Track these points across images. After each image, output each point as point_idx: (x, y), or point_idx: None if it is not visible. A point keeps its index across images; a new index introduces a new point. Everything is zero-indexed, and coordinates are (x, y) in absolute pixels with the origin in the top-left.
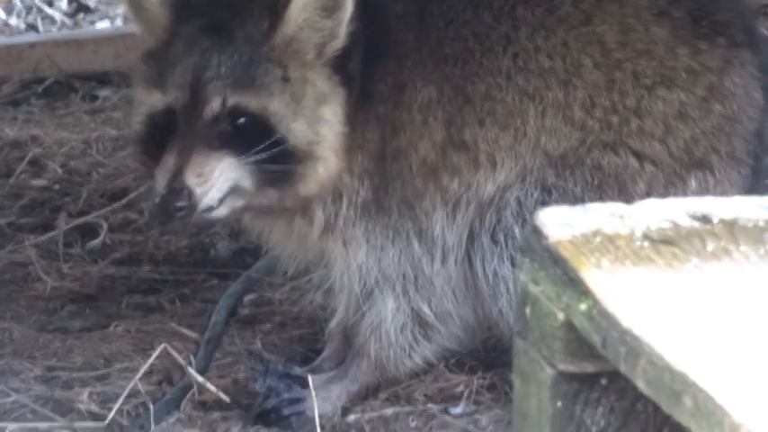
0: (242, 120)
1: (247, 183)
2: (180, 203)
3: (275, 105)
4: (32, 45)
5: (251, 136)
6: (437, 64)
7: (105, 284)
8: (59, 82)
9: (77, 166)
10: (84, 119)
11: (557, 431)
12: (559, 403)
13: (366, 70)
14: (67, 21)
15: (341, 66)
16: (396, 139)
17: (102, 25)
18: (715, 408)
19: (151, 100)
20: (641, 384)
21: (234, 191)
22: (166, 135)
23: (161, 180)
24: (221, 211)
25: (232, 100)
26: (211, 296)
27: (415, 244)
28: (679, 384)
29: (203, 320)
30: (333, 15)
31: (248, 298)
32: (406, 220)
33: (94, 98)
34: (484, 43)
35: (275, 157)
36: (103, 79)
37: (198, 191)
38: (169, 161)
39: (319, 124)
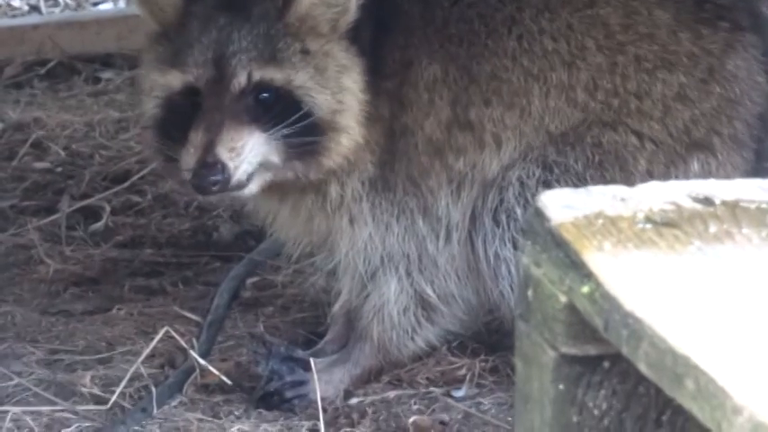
0: (266, 94)
1: (275, 157)
2: (214, 177)
3: (300, 78)
4: (35, 27)
5: (276, 110)
6: (442, 43)
7: (108, 267)
8: (62, 64)
9: (80, 148)
10: (86, 101)
11: (559, 414)
12: (561, 386)
13: (376, 44)
14: (70, 2)
15: (356, 38)
16: (403, 115)
17: (105, 7)
18: (717, 390)
19: (167, 81)
20: (643, 367)
21: (263, 166)
22: (186, 115)
23: (192, 156)
24: (251, 188)
25: (257, 74)
26: (214, 279)
27: (420, 222)
28: (681, 367)
29: (206, 303)
30: None
31: (251, 281)
32: (411, 197)
33: (97, 80)
34: (489, 24)
35: (301, 131)
36: (106, 61)
37: (231, 165)
38: (197, 137)
39: (342, 94)
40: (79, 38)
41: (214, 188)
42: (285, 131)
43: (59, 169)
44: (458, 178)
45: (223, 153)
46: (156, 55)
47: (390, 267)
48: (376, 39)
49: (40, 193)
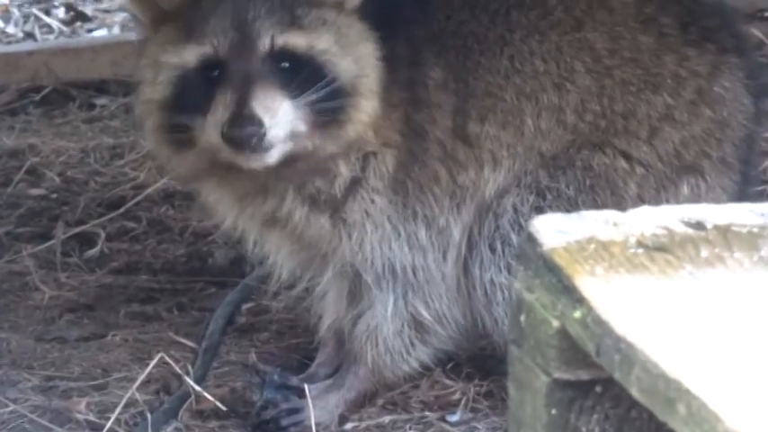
0: (288, 62)
1: (302, 126)
2: (252, 128)
3: (322, 43)
4: (30, 53)
5: (301, 76)
6: (440, 51)
7: (103, 294)
8: (57, 90)
9: (75, 175)
10: (81, 127)
11: None
12: (554, 411)
13: (386, 31)
14: (65, 29)
15: (367, 14)
16: (417, 113)
17: (100, 33)
18: (709, 414)
19: (182, 57)
20: (635, 392)
21: (290, 134)
22: (204, 91)
23: (224, 113)
24: (273, 156)
25: (280, 39)
26: (209, 305)
27: (423, 232)
28: (673, 391)
29: (201, 329)
30: None
31: (246, 306)
32: (418, 204)
33: (92, 107)
34: (482, 42)
35: (325, 97)
36: (101, 87)
37: (267, 120)
38: (226, 98)
39: (362, 61)
40: (74, 64)
41: (252, 140)
42: (311, 98)
43: (54, 196)
44: (459, 194)
45: (258, 108)
46: (166, 34)
47: (389, 283)
48: (385, 27)
49: (35, 219)
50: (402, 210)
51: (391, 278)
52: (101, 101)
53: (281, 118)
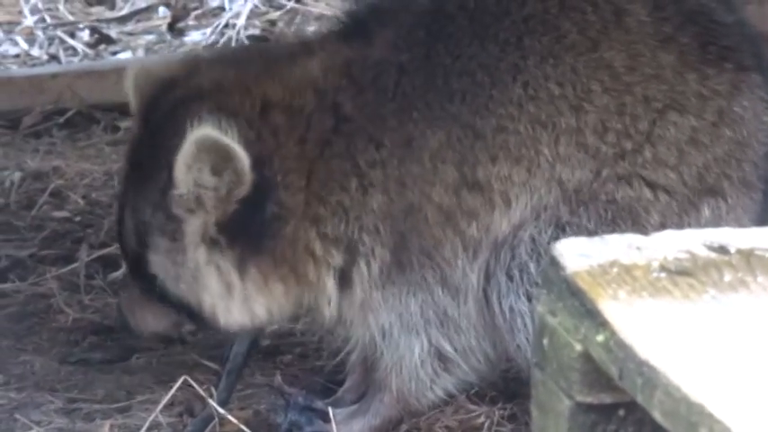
0: None
1: None
2: None
3: None
4: (54, 76)
5: None
6: (443, 105)
7: None
8: (81, 113)
9: (99, 197)
10: (105, 150)
11: None
12: None
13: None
14: (89, 51)
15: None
16: (403, 196)
17: (124, 56)
18: None
19: None
20: (658, 415)
21: None
22: None
23: None
24: None
25: None
26: None
27: (439, 291)
28: (696, 415)
29: (224, 352)
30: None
31: (270, 329)
32: (427, 270)
33: (116, 129)
34: (493, 74)
35: None
36: (125, 110)
37: None
38: None
39: None
40: (98, 87)
41: None
42: None
43: (78, 218)
44: (473, 244)
45: None
46: None
47: (409, 330)
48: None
49: (58, 242)
50: (406, 286)
51: (410, 326)
52: (125, 123)
53: None
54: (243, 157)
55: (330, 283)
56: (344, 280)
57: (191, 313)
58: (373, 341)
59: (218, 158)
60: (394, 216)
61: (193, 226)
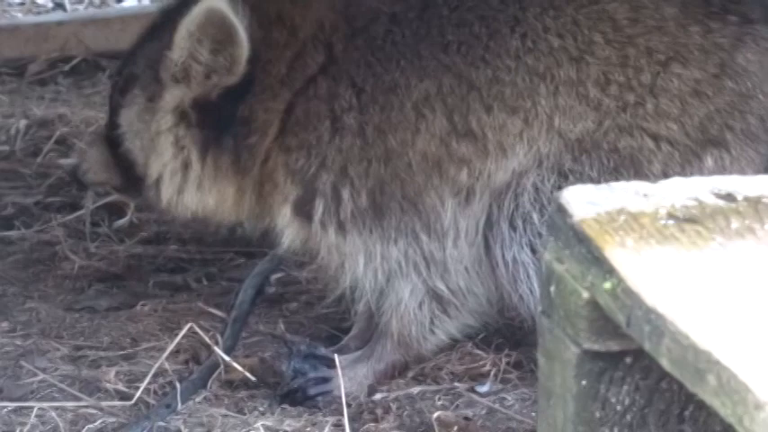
0: None
1: None
2: None
3: None
4: (60, 23)
5: None
6: (436, 55)
7: (132, 264)
8: (86, 61)
9: None
10: None
11: (581, 409)
12: (584, 382)
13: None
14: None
15: None
16: (384, 141)
17: (129, 4)
18: (739, 386)
19: None
20: (665, 363)
21: None
22: None
23: None
24: None
25: None
26: (238, 275)
27: (424, 237)
28: (703, 363)
29: (230, 299)
30: None
31: (275, 277)
32: (410, 217)
33: None
34: (490, 26)
35: None
36: None
37: None
38: None
39: None
40: (103, 35)
41: None
42: None
43: None
44: (464, 189)
45: None
46: None
47: (400, 275)
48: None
49: (64, 189)
50: (389, 231)
51: (400, 273)
52: None
53: None
54: (244, 47)
55: (287, 213)
56: (304, 216)
57: (134, 175)
58: (357, 288)
59: (221, 37)
60: (371, 161)
61: (172, 95)
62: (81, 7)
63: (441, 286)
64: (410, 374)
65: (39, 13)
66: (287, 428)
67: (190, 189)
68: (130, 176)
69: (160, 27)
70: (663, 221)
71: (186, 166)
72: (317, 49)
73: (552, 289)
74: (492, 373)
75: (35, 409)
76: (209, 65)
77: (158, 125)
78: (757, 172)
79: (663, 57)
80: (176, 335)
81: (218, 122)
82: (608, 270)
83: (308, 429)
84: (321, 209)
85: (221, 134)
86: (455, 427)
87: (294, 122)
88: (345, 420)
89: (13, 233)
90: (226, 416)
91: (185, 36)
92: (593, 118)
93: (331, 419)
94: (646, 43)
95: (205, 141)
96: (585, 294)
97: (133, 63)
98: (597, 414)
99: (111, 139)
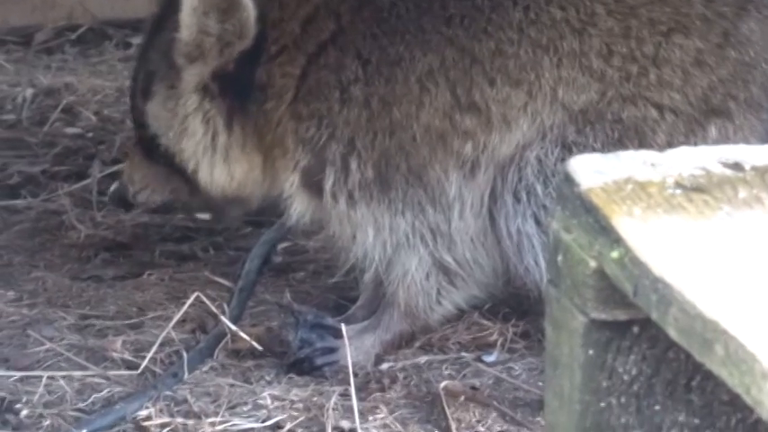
0: None
1: None
2: None
3: None
4: None
5: None
6: (439, 29)
7: (138, 233)
8: (93, 29)
9: (111, 113)
10: (117, 66)
11: (588, 379)
12: (591, 351)
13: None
14: None
15: None
16: (389, 113)
17: None
18: (746, 355)
19: None
20: (673, 332)
21: None
22: None
23: None
24: None
25: None
26: (245, 244)
27: (430, 210)
28: (710, 332)
29: (237, 269)
30: None
31: (282, 246)
32: (416, 189)
33: (128, 45)
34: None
35: None
36: (137, 26)
37: None
38: None
39: None
40: (110, 3)
41: None
42: None
43: (90, 134)
44: (469, 162)
45: None
46: None
47: (407, 246)
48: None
49: (70, 158)
50: (396, 203)
51: (407, 244)
52: (137, 40)
53: None
54: (250, 8)
55: (294, 180)
56: (314, 186)
57: (181, 173)
58: (367, 259)
59: (225, 5)
60: (376, 134)
61: (191, 75)
62: None
63: (447, 258)
64: (417, 344)
65: None
66: (294, 398)
67: (218, 161)
68: (177, 176)
69: (161, 19)
70: (670, 191)
71: (214, 137)
72: (329, 16)
73: (559, 258)
74: (499, 342)
75: (43, 379)
76: (220, 35)
77: (185, 108)
78: (761, 140)
79: (665, 27)
80: (183, 304)
81: (239, 91)
82: (615, 239)
83: (315, 399)
84: (332, 179)
85: (244, 102)
86: (462, 397)
87: (307, 91)
88: (352, 390)
89: (19, 202)
90: (232, 385)
91: (190, 12)
92: (596, 89)
93: (338, 389)
94: (648, 14)
95: (230, 110)
96: (593, 264)
97: (146, 61)
98: (604, 383)
99: (146, 147)
